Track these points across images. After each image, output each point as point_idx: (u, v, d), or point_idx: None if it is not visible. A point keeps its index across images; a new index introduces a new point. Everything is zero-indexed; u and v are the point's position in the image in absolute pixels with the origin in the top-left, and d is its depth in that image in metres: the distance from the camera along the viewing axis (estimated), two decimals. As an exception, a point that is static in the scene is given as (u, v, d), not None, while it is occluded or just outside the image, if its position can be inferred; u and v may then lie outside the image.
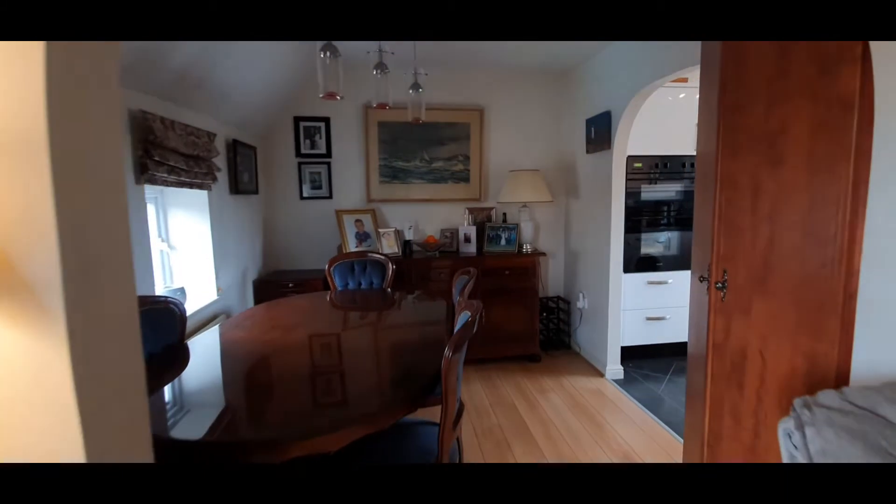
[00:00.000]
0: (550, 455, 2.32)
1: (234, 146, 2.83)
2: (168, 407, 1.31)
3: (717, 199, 1.47)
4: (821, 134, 1.09)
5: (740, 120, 1.36)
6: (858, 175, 1.02)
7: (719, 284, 1.45)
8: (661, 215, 3.39)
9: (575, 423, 2.63)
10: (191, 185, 2.22)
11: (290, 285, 3.22)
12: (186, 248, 2.52)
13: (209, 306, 2.51)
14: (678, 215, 3.40)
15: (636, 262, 3.36)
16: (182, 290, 2.29)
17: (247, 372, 1.56)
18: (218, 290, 2.62)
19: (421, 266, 3.34)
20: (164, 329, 1.82)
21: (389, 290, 2.94)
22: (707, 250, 1.54)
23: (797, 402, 0.87)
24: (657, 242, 3.40)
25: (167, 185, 2.01)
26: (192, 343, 1.88)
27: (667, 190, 3.37)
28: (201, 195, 2.49)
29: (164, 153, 1.92)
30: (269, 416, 1.23)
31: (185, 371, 1.59)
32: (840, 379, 1.07)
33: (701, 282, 1.56)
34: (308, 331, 1.95)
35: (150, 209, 2.36)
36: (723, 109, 1.42)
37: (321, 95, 1.57)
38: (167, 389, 1.42)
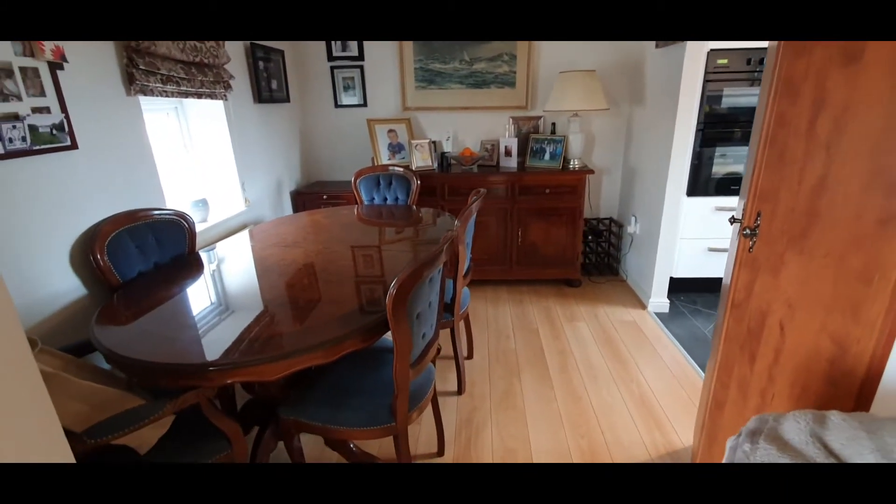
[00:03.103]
0: (558, 388, 2.23)
1: (254, 51, 2.69)
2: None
3: (767, 113, 1.07)
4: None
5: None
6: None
7: (747, 231, 1.11)
8: (748, 125, 2.75)
9: (597, 358, 2.48)
10: (197, 95, 2.16)
11: (325, 197, 3.23)
12: (211, 160, 2.56)
13: (237, 216, 2.60)
14: (770, 127, 2.74)
15: (709, 184, 2.84)
16: (204, 202, 2.37)
17: (223, 290, 1.59)
18: (246, 201, 2.68)
19: (455, 181, 3.14)
20: (172, 241, 1.91)
21: (414, 207, 2.82)
22: (748, 182, 1.17)
23: (752, 421, 0.63)
24: (736, 160, 2.81)
25: (166, 96, 1.97)
26: (204, 253, 1.96)
27: (757, 93, 2.68)
28: (217, 105, 2.44)
29: (154, 61, 1.84)
30: (219, 340, 1.24)
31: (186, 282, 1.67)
32: (870, 377, 0.79)
33: (731, 223, 1.22)
34: (304, 249, 1.94)
35: (172, 118, 2.38)
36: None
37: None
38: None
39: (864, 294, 0.79)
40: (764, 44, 2.57)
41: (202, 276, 1.74)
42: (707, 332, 2.70)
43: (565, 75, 2.94)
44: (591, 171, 3.09)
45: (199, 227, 2.23)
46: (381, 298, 1.45)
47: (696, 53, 2.44)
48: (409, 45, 3.23)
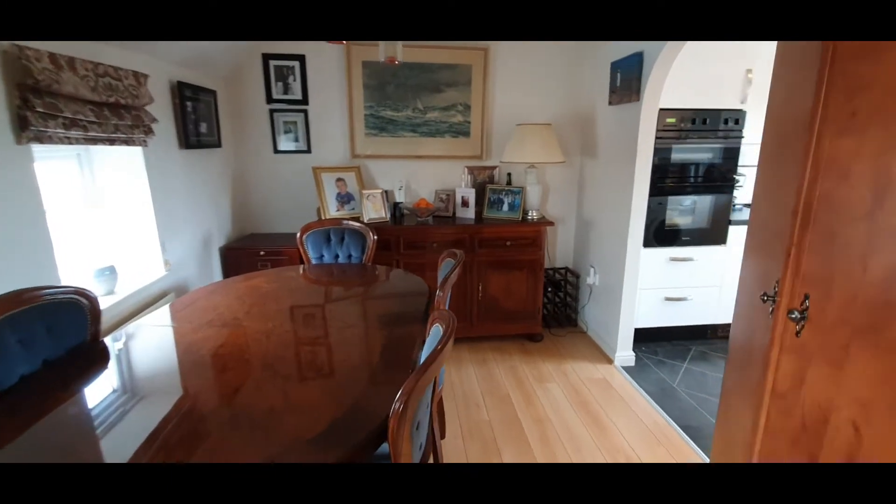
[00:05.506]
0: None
1: (181, 90, 2.33)
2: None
3: (805, 191, 1.00)
4: None
5: (867, 72, 0.86)
6: None
7: (795, 314, 1.02)
8: (692, 179, 2.87)
9: (576, 424, 2.32)
10: (110, 142, 1.77)
11: (262, 253, 2.84)
12: (123, 217, 2.12)
13: (155, 284, 2.15)
14: (711, 180, 2.89)
15: (659, 235, 2.90)
16: (111, 270, 1.92)
17: (141, 397, 1.21)
18: (166, 264, 2.24)
19: (411, 234, 2.92)
20: (68, 328, 1.46)
21: (370, 264, 2.55)
22: (776, 260, 1.10)
23: None
24: (685, 212, 2.92)
25: (69, 144, 1.57)
26: (114, 338, 1.53)
27: (702, 149, 2.83)
28: (134, 152, 2.04)
29: (56, 101, 1.46)
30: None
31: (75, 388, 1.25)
32: None
33: (764, 301, 1.13)
34: (248, 329, 1.58)
35: (73, 167, 1.94)
36: (837, 54, 0.92)
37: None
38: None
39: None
40: (705, 105, 2.74)
41: (107, 379, 1.32)
42: (675, 385, 2.67)
43: (523, 128, 2.91)
44: (551, 223, 3.04)
45: (104, 303, 1.78)
46: (362, 400, 1.16)
47: (650, 112, 2.51)
48: (359, 91, 3.05)
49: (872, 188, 0.85)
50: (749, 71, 2.72)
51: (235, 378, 1.28)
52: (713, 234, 2.96)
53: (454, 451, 2.12)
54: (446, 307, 1.73)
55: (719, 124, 2.77)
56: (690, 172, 2.86)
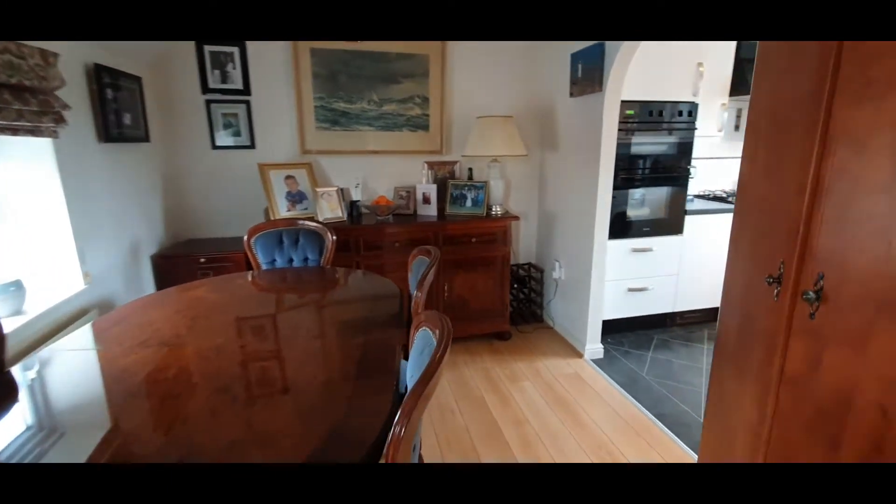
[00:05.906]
0: (530, 471, 1.92)
1: (99, 75, 2.01)
2: None
3: (815, 166, 0.97)
4: None
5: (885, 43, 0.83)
6: None
7: (810, 295, 0.98)
8: (648, 171, 2.92)
9: (554, 421, 2.25)
10: (12, 131, 1.47)
11: (203, 261, 2.54)
12: (30, 222, 1.79)
13: (72, 300, 1.83)
14: (667, 172, 2.95)
15: (619, 227, 2.92)
16: (18, 285, 1.59)
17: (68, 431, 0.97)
18: (85, 276, 1.92)
19: (370, 234, 2.74)
20: (-44, 361, 1.17)
21: (329, 266, 2.34)
22: (778, 240, 1.06)
23: None
24: (643, 203, 2.96)
25: (-50, 130, 1.26)
26: (25, 367, 1.24)
27: (658, 141, 2.88)
28: (42, 144, 1.72)
29: (-72, 75, 1.16)
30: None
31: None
32: None
33: (770, 283, 1.09)
34: (193, 348, 1.35)
35: (-42, 165, 1.59)
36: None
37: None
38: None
39: None
40: (659, 98, 2.78)
41: (18, 416, 1.05)
42: (644, 375, 2.68)
43: (484, 120, 2.82)
44: (516, 218, 2.97)
45: (10, 325, 1.47)
46: (343, 422, 0.99)
47: (613, 104, 2.50)
48: (307, 81, 2.82)
49: (894, 158, 0.82)
50: (700, 64, 2.80)
51: (182, 406, 1.06)
52: (670, 224, 3.03)
53: (433, 461, 1.98)
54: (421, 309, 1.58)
55: (674, 116, 2.83)
56: (648, 164, 2.90)
